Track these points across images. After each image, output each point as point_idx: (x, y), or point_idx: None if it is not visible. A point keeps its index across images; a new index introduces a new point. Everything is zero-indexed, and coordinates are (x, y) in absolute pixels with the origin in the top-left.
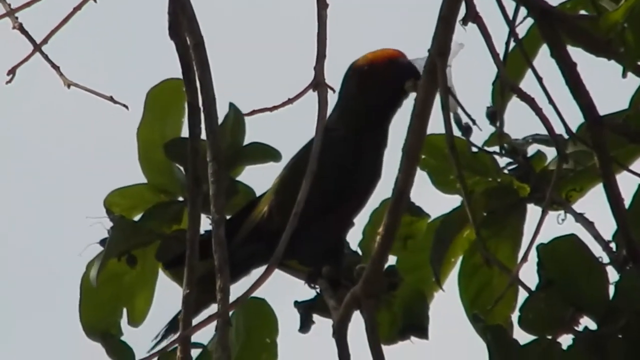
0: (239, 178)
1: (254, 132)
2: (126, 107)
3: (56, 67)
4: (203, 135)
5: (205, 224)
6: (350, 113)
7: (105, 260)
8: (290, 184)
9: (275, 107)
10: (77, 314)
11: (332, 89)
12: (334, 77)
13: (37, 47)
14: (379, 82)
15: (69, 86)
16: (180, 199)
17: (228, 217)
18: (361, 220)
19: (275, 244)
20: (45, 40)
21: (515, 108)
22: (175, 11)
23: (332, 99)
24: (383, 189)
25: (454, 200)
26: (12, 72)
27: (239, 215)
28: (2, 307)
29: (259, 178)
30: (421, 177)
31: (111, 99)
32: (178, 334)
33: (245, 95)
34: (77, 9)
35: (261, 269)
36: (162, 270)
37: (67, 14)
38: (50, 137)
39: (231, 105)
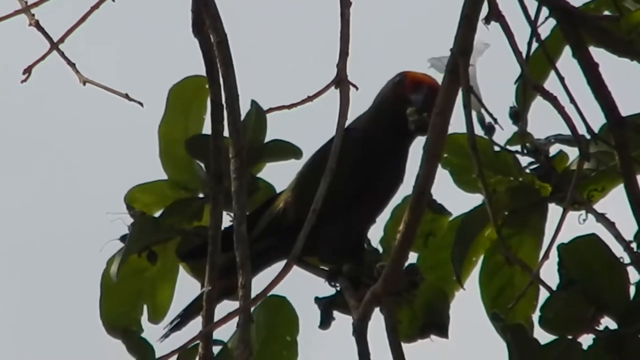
0: (260, 175)
1: (277, 129)
2: (141, 104)
3: (72, 64)
4: (225, 133)
5: (226, 220)
6: (378, 116)
7: (125, 256)
8: (307, 180)
9: (293, 105)
10: (97, 310)
11: (354, 86)
12: (357, 74)
13: (54, 46)
14: (400, 98)
15: (84, 83)
16: (201, 195)
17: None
18: (383, 217)
19: (291, 239)
20: (62, 39)
21: (538, 108)
22: (199, 9)
23: (355, 96)
24: (405, 186)
25: (476, 199)
26: (28, 70)
27: (258, 211)
28: (24, 303)
29: (280, 175)
30: (444, 176)
31: (126, 96)
32: (199, 331)
33: (269, 93)
34: (94, 7)
35: (281, 264)
36: (182, 267)
37: (85, 12)
38: (70, 134)
39: (253, 102)
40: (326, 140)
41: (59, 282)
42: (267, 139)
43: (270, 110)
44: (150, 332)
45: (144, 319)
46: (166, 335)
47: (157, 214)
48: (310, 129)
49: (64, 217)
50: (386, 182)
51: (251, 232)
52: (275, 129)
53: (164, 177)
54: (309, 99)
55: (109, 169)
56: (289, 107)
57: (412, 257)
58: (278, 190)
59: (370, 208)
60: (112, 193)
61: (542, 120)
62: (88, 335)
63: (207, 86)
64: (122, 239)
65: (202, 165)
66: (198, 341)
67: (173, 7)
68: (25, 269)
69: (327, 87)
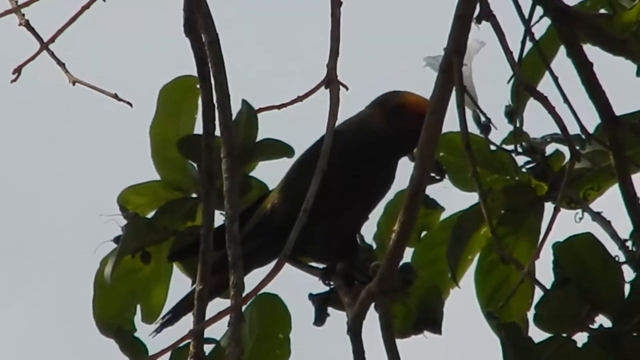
0: (252, 174)
1: (268, 129)
2: (130, 104)
3: (62, 64)
4: (217, 132)
5: (218, 219)
6: (370, 126)
7: (119, 257)
8: (295, 181)
9: (283, 105)
10: (90, 310)
11: (344, 86)
12: (347, 74)
13: (44, 45)
14: (403, 130)
15: (74, 83)
16: (194, 195)
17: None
18: (376, 212)
19: (281, 239)
20: (52, 39)
21: (534, 107)
22: (191, 8)
23: (344, 96)
24: (399, 181)
25: (473, 197)
26: (17, 70)
27: (249, 210)
28: (18, 303)
29: (273, 174)
30: None
31: (115, 96)
32: (190, 330)
33: (259, 93)
34: (85, 7)
35: (273, 264)
36: (175, 266)
37: (76, 12)
38: (61, 135)
39: (244, 102)
40: (314, 141)
41: (53, 282)
42: (259, 138)
43: (260, 110)
44: (144, 331)
45: (137, 318)
46: (158, 331)
47: (150, 215)
48: (303, 128)
49: (57, 218)
50: (376, 182)
51: (241, 231)
52: (267, 129)
53: (157, 177)
54: (299, 99)
55: (101, 170)
56: (279, 107)
57: (407, 256)
58: (270, 189)
59: (360, 207)
60: (105, 194)
61: (539, 119)
62: (81, 334)
63: (198, 86)
64: (116, 240)
65: (195, 165)
66: (189, 340)
67: (165, 7)
68: (19, 269)
69: (317, 88)
